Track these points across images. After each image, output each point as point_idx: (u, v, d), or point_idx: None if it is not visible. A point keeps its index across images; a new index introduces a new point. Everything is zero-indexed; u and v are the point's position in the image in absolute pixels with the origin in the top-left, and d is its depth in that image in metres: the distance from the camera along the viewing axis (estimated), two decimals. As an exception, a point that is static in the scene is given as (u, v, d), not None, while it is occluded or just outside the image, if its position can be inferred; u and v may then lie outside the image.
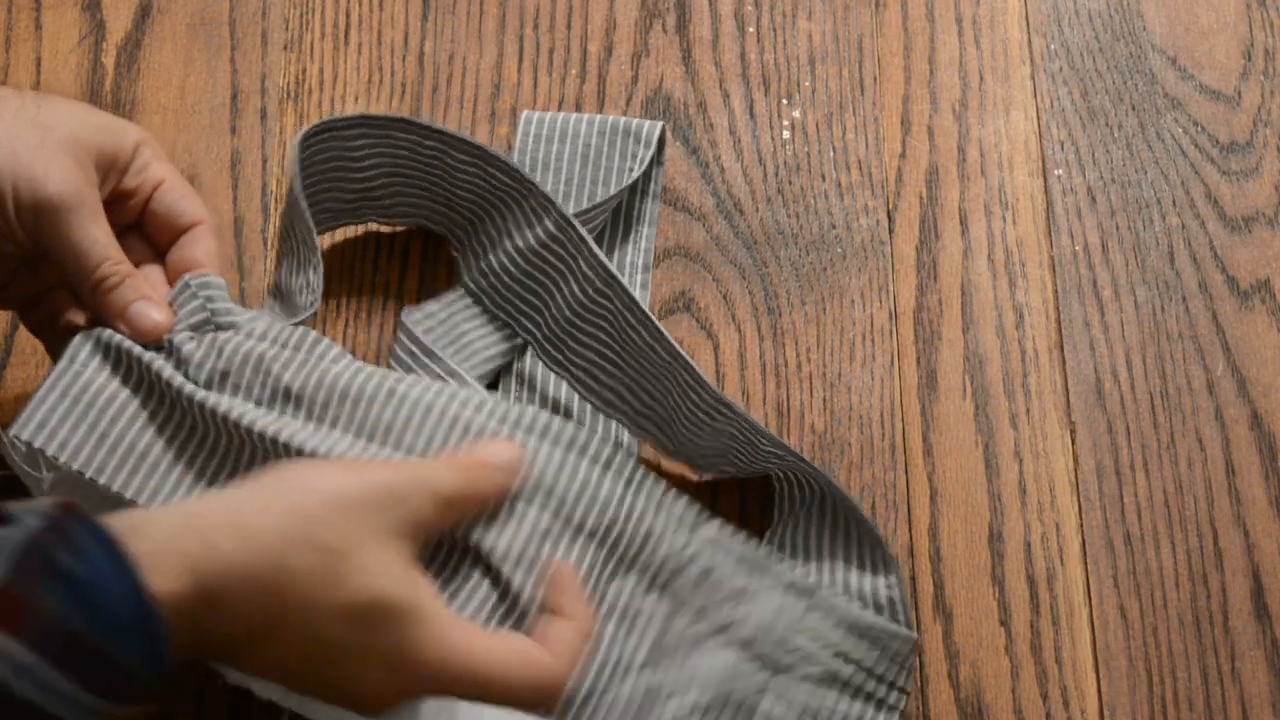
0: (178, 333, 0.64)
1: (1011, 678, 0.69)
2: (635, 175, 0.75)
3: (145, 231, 0.68)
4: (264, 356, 0.64)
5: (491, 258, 0.73)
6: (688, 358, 0.67)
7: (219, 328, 0.65)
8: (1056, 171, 0.79)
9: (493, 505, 0.62)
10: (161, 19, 0.80)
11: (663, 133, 0.76)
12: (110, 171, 0.66)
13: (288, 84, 0.79)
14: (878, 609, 0.67)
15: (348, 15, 0.81)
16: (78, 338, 0.64)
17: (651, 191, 0.77)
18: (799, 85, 0.80)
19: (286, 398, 0.64)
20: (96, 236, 0.64)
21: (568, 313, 0.71)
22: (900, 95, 0.80)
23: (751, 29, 0.81)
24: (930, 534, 0.71)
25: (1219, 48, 0.81)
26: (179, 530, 0.55)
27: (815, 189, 0.78)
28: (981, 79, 0.80)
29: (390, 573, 0.57)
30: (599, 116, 0.77)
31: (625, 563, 0.63)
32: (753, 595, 0.65)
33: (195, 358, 0.64)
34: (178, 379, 0.64)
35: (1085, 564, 0.71)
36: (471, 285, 0.73)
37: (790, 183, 0.78)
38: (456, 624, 0.58)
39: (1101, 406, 0.74)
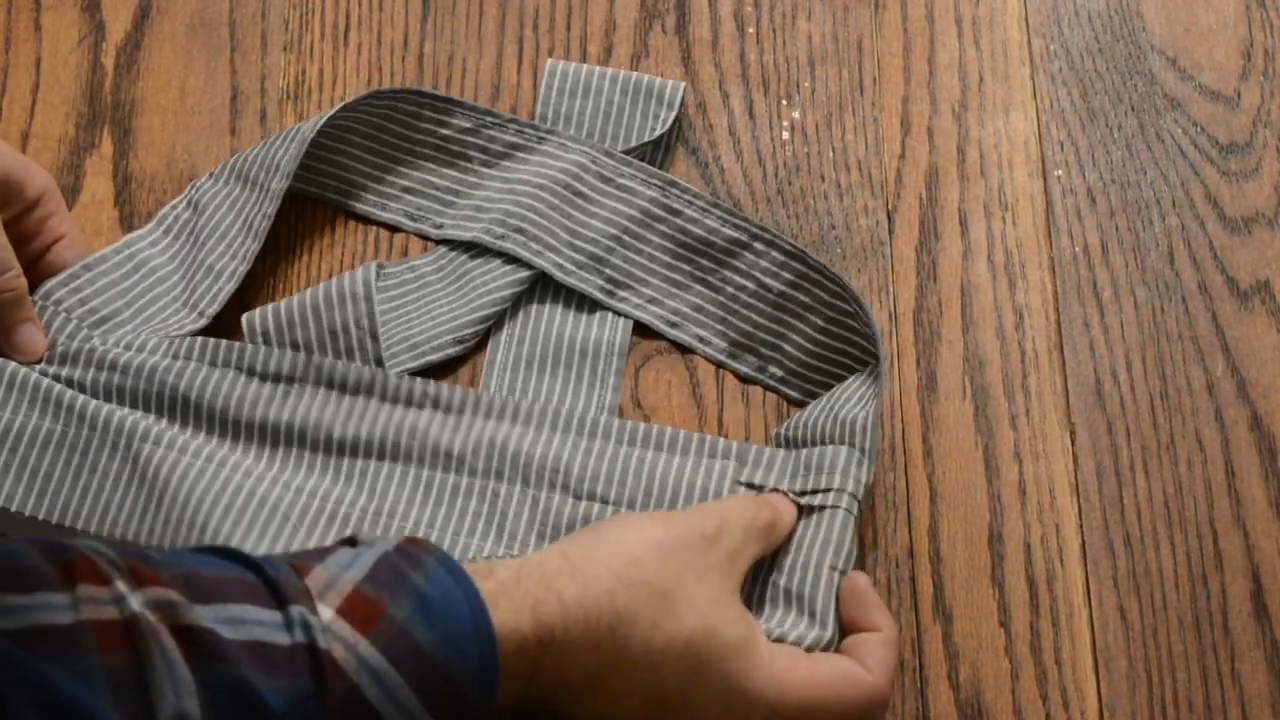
0: (52, 353, 0.69)
1: (1011, 679, 0.69)
2: (657, 134, 0.77)
3: (32, 280, 0.70)
4: (155, 367, 0.68)
5: (508, 204, 0.74)
6: (760, 225, 0.73)
7: (91, 326, 0.69)
8: (1056, 172, 0.79)
9: (787, 538, 0.65)
10: (161, 20, 0.80)
11: (684, 92, 0.78)
12: (11, 201, 0.69)
13: (287, 85, 0.79)
14: (851, 435, 0.67)
15: (347, 16, 0.81)
16: None
17: (664, 145, 0.78)
18: (798, 86, 0.80)
19: (185, 406, 0.68)
20: (3, 243, 0.67)
21: (610, 230, 0.74)
22: (900, 96, 0.80)
23: (751, 30, 0.81)
24: (930, 535, 0.71)
25: (1218, 48, 0.81)
26: (523, 575, 0.57)
27: (815, 190, 0.78)
28: (981, 80, 0.80)
29: (717, 606, 0.59)
30: (622, 72, 0.78)
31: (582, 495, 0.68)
32: (678, 469, 0.68)
33: (75, 375, 0.68)
34: (80, 399, 0.67)
35: (1085, 565, 0.71)
36: (488, 237, 0.74)
37: (790, 183, 0.78)
38: (779, 653, 0.61)
39: (1101, 407, 0.74)
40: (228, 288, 0.71)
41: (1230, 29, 0.82)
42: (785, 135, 0.79)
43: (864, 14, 0.81)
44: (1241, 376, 0.75)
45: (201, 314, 0.71)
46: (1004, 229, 0.77)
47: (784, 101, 0.80)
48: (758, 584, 0.66)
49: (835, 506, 0.66)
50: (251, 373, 0.68)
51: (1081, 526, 0.72)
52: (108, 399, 0.68)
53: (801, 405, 0.73)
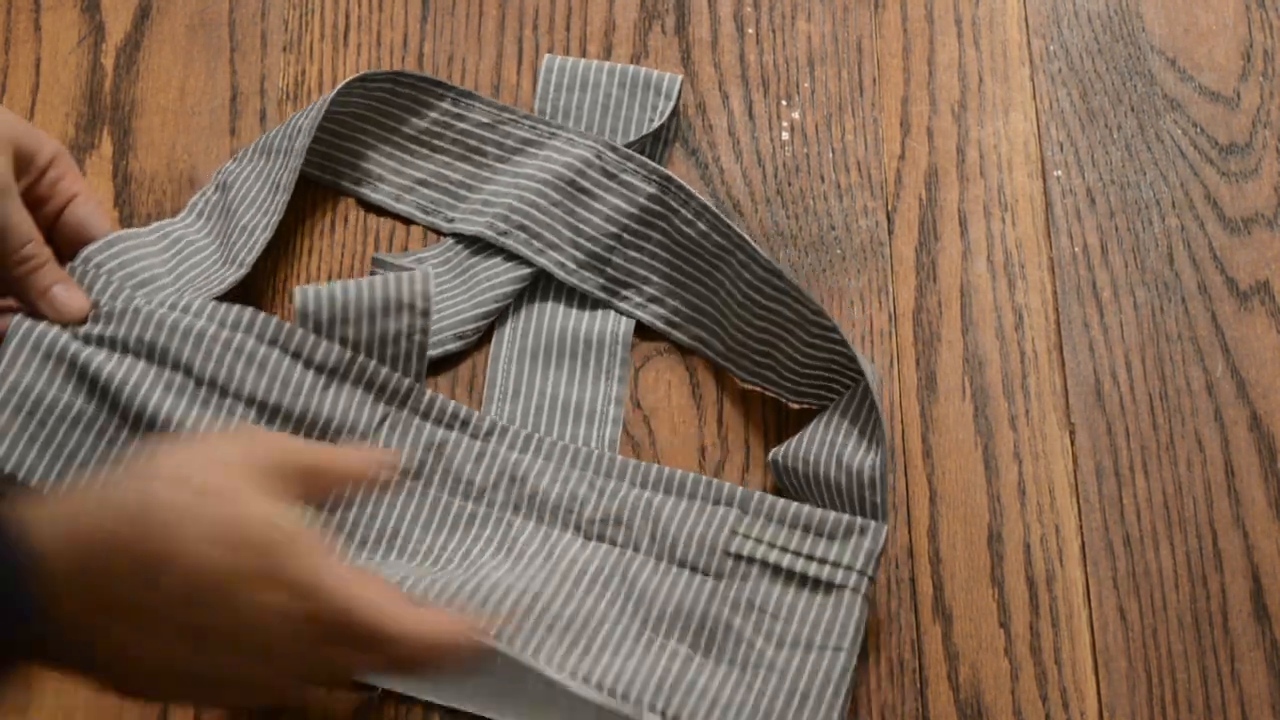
0: (96, 312, 0.68)
1: (1011, 679, 0.69)
2: (656, 125, 0.77)
3: (54, 243, 0.70)
4: (203, 334, 0.67)
5: (512, 199, 0.74)
6: (743, 234, 0.72)
7: (133, 289, 0.69)
8: (1056, 173, 0.79)
9: (350, 486, 0.62)
10: (161, 20, 0.80)
11: (681, 85, 0.78)
12: (25, 170, 0.69)
13: (287, 85, 0.79)
14: (861, 486, 0.67)
15: (347, 16, 0.81)
16: (12, 339, 0.67)
17: (664, 138, 0.78)
18: (798, 86, 0.80)
19: (228, 383, 0.67)
20: (22, 217, 0.68)
21: (611, 228, 0.74)
22: (899, 97, 0.80)
23: (751, 30, 0.81)
24: (930, 535, 0.71)
25: (1218, 49, 0.81)
26: (59, 503, 0.57)
27: (815, 190, 0.78)
28: (981, 80, 0.80)
29: (263, 502, 0.58)
30: (619, 66, 0.78)
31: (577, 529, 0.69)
32: (683, 514, 0.69)
33: (120, 333, 0.67)
34: (115, 382, 0.66)
35: (1085, 565, 0.71)
36: (491, 232, 0.74)
37: (789, 184, 0.78)
38: (333, 560, 0.58)
39: (1101, 408, 0.74)
40: (264, 237, 0.72)
41: (1230, 29, 0.82)
42: (785, 136, 0.79)
43: (864, 14, 0.81)
44: (1241, 377, 0.75)
45: (241, 264, 0.71)
46: (1003, 229, 0.77)
47: (784, 102, 0.80)
48: (754, 649, 0.66)
49: (843, 586, 0.66)
50: (296, 356, 0.68)
51: (1081, 527, 0.72)
52: (149, 359, 0.67)
53: (801, 408, 0.73)
